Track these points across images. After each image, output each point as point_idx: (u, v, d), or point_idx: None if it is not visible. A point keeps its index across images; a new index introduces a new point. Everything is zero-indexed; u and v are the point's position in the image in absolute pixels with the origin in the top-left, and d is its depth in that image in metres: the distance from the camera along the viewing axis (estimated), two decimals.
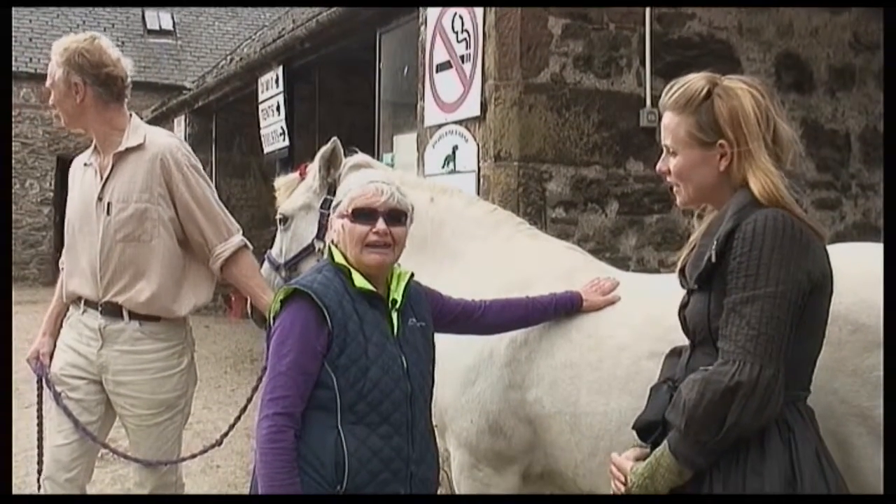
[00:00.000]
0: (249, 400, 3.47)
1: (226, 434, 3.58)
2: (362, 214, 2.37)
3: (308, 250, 3.32)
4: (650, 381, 2.45)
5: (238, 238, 3.37)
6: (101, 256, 3.22)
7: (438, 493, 2.57)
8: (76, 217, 3.33)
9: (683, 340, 2.22)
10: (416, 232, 3.03)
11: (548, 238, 3.37)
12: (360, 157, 3.40)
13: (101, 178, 3.26)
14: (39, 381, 3.40)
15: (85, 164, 3.38)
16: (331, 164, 3.29)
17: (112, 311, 3.25)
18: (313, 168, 3.36)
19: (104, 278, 3.23)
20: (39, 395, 3.40)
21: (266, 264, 3.46)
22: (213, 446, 3.61)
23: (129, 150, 3.26)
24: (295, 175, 3.51)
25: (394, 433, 2.32)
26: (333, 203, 2.47)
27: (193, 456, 3.58)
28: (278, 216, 3.42)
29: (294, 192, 3.43)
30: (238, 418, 3.58)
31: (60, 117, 3.36)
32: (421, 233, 3.10)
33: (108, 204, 3.22)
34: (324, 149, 3.29)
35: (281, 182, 3.56)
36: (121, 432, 3.55)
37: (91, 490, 4.08)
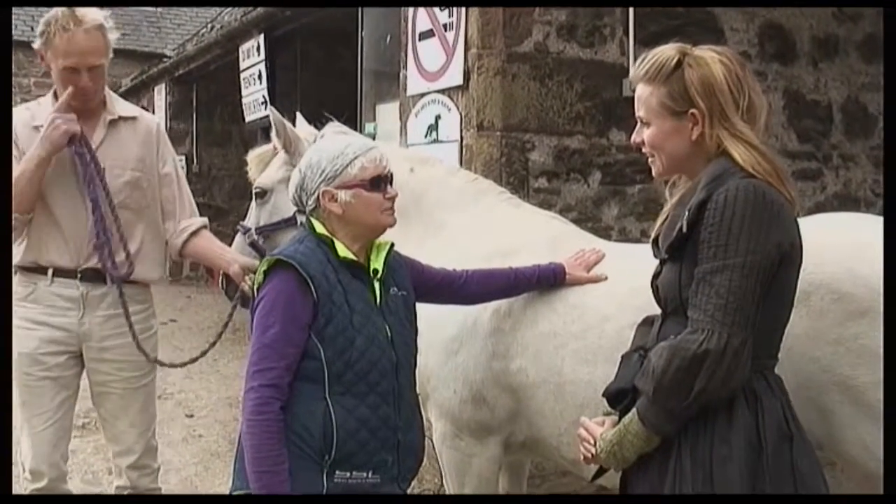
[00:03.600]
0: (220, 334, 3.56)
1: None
2: (376, 182, 2.41)
3: (290, 222, 3.30)
4: None
5: (203, 219, 3.46)
6: (90, 223, 3.18)
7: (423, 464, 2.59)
8: (51, 185, 3.19)
9: None
10: (396, 203, 3.07)
11: (530, 207, 3.38)
12: (336, 126, 3.39)
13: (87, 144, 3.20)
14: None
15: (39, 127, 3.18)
16: (289, 139, 3.29)
17: (93, 276, 3.23)
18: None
19: (91, 243, 3.20)
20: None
21: (238, 236, 3.44)
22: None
23: (122, 119, 3.28)
24: (268, 147, 3.48)
25: (381, 402, 2.33)
26: (324, 173, 2.40)
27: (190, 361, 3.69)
28: (255, 189, 3.40)
29: (270, 165, 3.40)
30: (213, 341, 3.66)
31: (95, 87, 3.19)
32: (402, 204, 3.09)
33: (102, 169, 3.20)
34: (272, 131, 3.30)
35: (254, 155, 3.55)
36: (88, 404, 3.52)
37: (73, 459, 4.09)
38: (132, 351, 3.29)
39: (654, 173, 2.18)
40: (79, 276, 3.23)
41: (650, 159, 2.16)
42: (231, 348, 8.44)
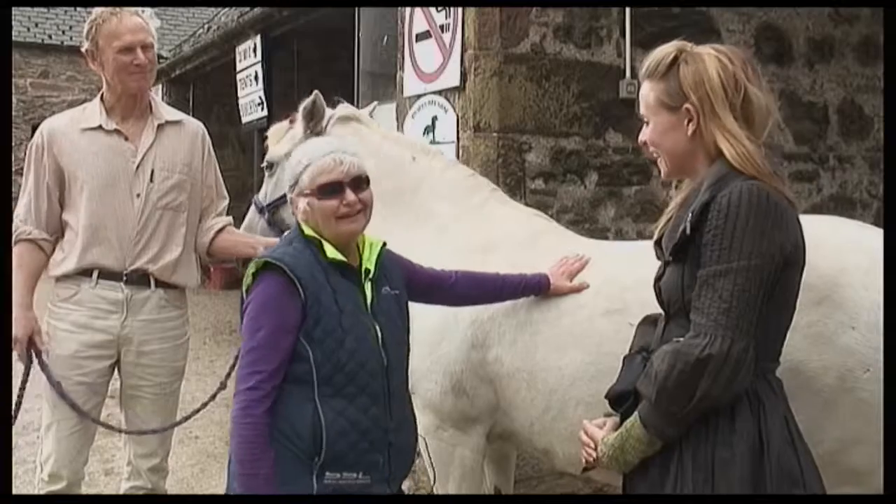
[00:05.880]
0: (228, 375, 3.45)
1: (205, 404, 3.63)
2: (328, 190, 2.35)
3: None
4: (603, 338, 2.53)
5: (228, 217, 3.54)
6: (139, 224, 3.22)
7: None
8: (100, 186, 3.21)
9: (638, 299, 2.26)
10: (394, 188, 3.21)
11: (516, 205, 3.43)
12: (347, 109, 3.49)
13: (136, 146, 3.27)
14: (27, 372, 3.18)
15: (101, 129, 3.25)
16: (313, 115, 3.34)
17: (138, 279, 3.24)
18: (298, 119, 3.41)
19: (138, 245, 3.22)
20: (23, 384, 3.18)
21: (252, 208, 3.56)
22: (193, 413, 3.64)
23: (168, 123, 3.35)
24: (285, 123, 3.53)
25: (371, 404, 2.33)
26: (290, 180, 2.44)
27: (182, 420, 3.57)
28: (265, 163, 3.49)
29: (281, 140, 3.47)
30: (219, 389, 3.57)
31: (147, 81, 3.28)
32: (399, 190, 3.27)
33: (152, 172, 3.26)
34: (306, 101, 3.35)
35: (272, 130, 3.59)
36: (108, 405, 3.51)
37: None
38: (166, 357, 3.33)
39: (663, 176, 2.19)
40: (124, 278, 3.23)
41: (658, 159, 2.17)
42: (227, 349, 8.44)
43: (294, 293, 2.27)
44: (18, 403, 3.18)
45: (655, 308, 2.20)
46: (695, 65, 2.04)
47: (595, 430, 2.15)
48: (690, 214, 1.99)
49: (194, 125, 3.49)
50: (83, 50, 3.25)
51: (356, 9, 6.56)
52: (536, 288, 2.84)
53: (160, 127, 3.33)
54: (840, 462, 2.32)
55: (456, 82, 4.73)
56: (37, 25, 18.12)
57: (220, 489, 4.88)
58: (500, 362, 2.87)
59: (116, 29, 3.16)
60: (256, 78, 9.18)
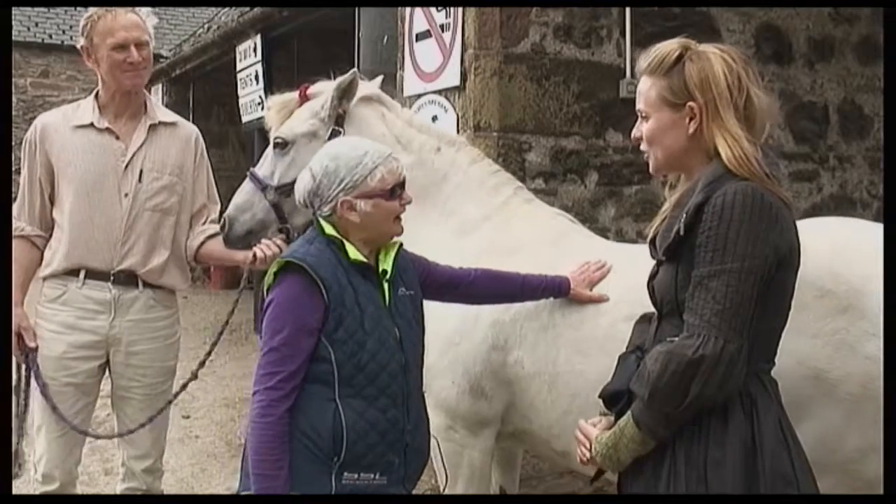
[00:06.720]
0: (202, 363, 3.33)
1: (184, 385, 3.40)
2: (394, 191, 2.40)
3: None
4: (625, 342, 2.50)
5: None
6: (126, 224, 3.20)
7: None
8: (88, 184, 3.20)
9: None
10: (419, 182, 3.06)
11: (540, 204, 3.35)
12: (370, 87, 3.30)
13: (127, 145, 3.25)
14: (28, 369, 3.18)
15: (92, 126, 3.24)
16: (345, 95, 3.16)
17: (126, 280, 3.23)
18: (325, 96, 3.18)
19: (125, 245, 3.20)
20: (27, 382, 3.19)
21: (248, 183, 3.21)
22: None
23: (162, 124, 3.32)
24: (293, 96, 3.28)
25: (391, 405, 2.34)
26: (343, 182, 2.35)
27: (148, 421, 3.35)
28: (276, 139, 3.18)
29: (295, 116, 3.22)
30: (190, 379, 3.35)
31: (141, 78, 3.28)
32: (423, 182, 3.13)
33: (141, 171, 3.23)
34: (341, 79, 3.17)
35: (276, 101, 3.32)
36: (106, 405, 3.50)
37: None
38: (157, 357, 3.32)
39: (650, 169, 2.17)
40: (112, 278, 3.22)
41: (646, 155, 2.15)
42: (228, 349, 8.43)
43: (316, 294, 2.27)
44: (26, 403, 3.19)
45: None
46: (700, 63, 2.03)
47: (589, 429, 2.16)
48: (684, 215, 1.98)
49: (188, 128, 3.46)
50: (79, 47, 3.24)
51: (356, 9, 6.56)
52: (556, 290, 2.83)
53: (152, 127, 3.31)
54: (854, 472, 2.32)
55: (456, 82, 4.73)
56: (37, 25, 18.10)
57: (221, 489, 4.90)
58: (520, 364, 2.86)
59: (111, 26, 3.15)
60: (256, 78, 9.17)
